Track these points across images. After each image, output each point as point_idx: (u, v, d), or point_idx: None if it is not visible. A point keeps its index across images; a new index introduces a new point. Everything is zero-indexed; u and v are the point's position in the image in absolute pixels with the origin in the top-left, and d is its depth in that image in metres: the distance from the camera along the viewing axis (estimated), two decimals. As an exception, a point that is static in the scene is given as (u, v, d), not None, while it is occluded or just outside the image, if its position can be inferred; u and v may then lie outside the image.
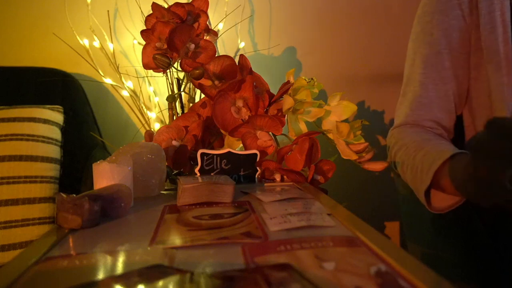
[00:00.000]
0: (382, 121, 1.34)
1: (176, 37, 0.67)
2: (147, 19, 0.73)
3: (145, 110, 1.06)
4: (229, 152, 0.62)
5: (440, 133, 0.67)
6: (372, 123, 1.32)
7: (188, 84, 0.87)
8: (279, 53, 1.28)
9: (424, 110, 0.67)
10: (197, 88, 0.73)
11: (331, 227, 0.39)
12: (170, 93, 0.86)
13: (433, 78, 0.66)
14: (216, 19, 1.19)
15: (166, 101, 0.78)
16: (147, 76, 1.14)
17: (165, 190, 0.61)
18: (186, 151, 0.67)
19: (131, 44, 1.19)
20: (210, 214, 0.45)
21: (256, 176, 0.64)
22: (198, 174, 0.62)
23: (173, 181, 0.68)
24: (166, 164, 0.63)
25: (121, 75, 1.05)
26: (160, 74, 0.76)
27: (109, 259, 0.32)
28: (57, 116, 0.97)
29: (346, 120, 0.71)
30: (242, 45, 1.21)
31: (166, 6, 0.74)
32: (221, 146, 0.75)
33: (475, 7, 0.63)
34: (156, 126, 1.06)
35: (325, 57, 1.30)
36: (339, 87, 1.30)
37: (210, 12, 0.79)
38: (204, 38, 0.74)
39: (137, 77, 1.13)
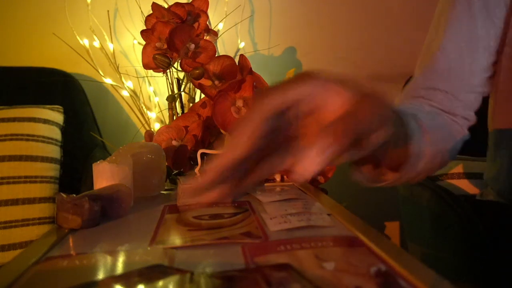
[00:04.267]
0: (382, 121, 1.34)
1: (176, 37, 0.67)
2: (147, 19, 0.73)
3: (145, 110, 1.06)
4: (229, 152, 0.62)
5: (447, 109, 0.56)
6: (372, 123, 1.32)
7: (188, 84, 0.87)
8: (279, 53, 1.28)
9: (438, 78, 0.57)
10: (197, 88, 0.73)
11: (331, 227, 0.39)
12: (170, 93, 0.86)
13: (459, 45, 0.56)
14: (216, 19, 1.19)
15: (166, 101, 0.78)
16: (147, 76, 1.14)
17: (165, 190, 0.61)
18: (186, 151, 0.67)
19: (131, 44, 1.19)
20: (210, 214, 0.45)
21: (256, 176, 0.64)
22: (198, 174, 0.62)
23: (173, 181, 0.68)
24: (166, 164, 0.63)
25: (121, 75, 1.05)
26: (160, 74, 0.76)
27: (109, 259, 0.32)
28: (57, 116, 0.97)
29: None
30: (242, 45, 1.20)
31: (166, 6, 0.74)
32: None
33: None
34: (156, 126, 1.06)
35: (325, 57, 1.30)
36: (339, 87, 1.29)
37: (210, 12, 0.79)
38: (204, 38, 0.74)
39: (137, 77, 1.13)
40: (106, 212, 0.44)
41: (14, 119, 0.90)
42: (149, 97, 1.15)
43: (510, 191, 0.62)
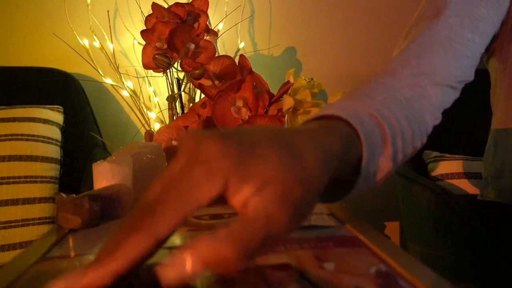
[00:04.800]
0: (382, 121, 1.34)
1: (176, 37, 0.67)
2: (147, 19, 0.73)
3: (145, 110, 1.06)
4: (229, 152, 0.62)
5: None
6: (372, 123, 1.32)
7: (188, 84, 0.87)
8: (279, 53, 1.28)
9: (438, 52, 0.50)
10: (197, 88, 0.73)
11: (331, 227, 0.39)
12: (170, 93, 0.86)
13: (462, 19, 0.51)
14: (216, 19, 1.19)
15: (166, 101, 0.78)
16: (147, 76, 1.14)
17: (165, 190, 0.61)
18: (186, 151, 0.67)
19: (131, 44, 1.19)
20: (210, 214, 0.45)
21: (256, 176, 0.64)
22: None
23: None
24: (166, 164, 0.63)
25: (121, 75, 1.05)
26: (160, 74, 0.76)
27: (109, 259, 0.32)
28: (57, 116, 0.97)
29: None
30: (242, 45, 1.20)
31: (166, 6, 0.74)
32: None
33: None
34: (156, 126, 1.06)
35: (325, 57, 1.30)
36: (339, 87, 1.29)
37: (210, 12, 0.79)
38: (204, 38, 0.74)
39: (137, 77, 1.13)
40: (106, 212, 0.44)
41: (14, 119, 0.90)
42: (149, 97, 1.15)
43: None
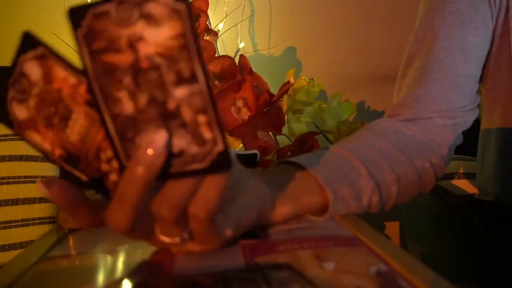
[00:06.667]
0: (382, 121, 1.34)
1: (176, 37, 0.67)
2: (147, 19, 0.73)
3: (145, 110, 1.06)
4: (229, 152, 0.62)
5: (451, 123, 0.54)
6: (372, 123, 1.32)
7: (188, 84, 0.87)
8: (279, 53, 1.28)
9: (435, 88, 0.54)
10: (197, 88, 0.73)
11: (331, 227, 0.39)
12: (170, 93, 0.86)
13: (452, 52, 0.55)
14: (216, 19, 1.19)
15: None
16: (147, 76, 1.14)
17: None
18: (186, 151, 0.67)
19: (131, 44, 1.19)
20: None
21: (256, 176, 0.64)
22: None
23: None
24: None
25: (121, 75, 1.05)
26: (160, 74, 0.75)
27: (109, 259, 0.32)
28: (57, 116, 0.98)
29: (346, 120, 0.71)
30: (242, 45, 1.21)
31: (166, 6, 0.74)
32: (221, 146, 0.75)
33: None
34: (156, 126, 1.06)
35: (325, 57, 1.30)
36: (339, 87, 1.29)
37: (210, 12, 0.79)
38: (204, 38, 0.74)
39: (137, 77, 1.13)
40: (106, 212, 0.44)
41: (14, 119, 0.90)
42: (149, 97, 1.15)
43: (502, 198, 0.63)
